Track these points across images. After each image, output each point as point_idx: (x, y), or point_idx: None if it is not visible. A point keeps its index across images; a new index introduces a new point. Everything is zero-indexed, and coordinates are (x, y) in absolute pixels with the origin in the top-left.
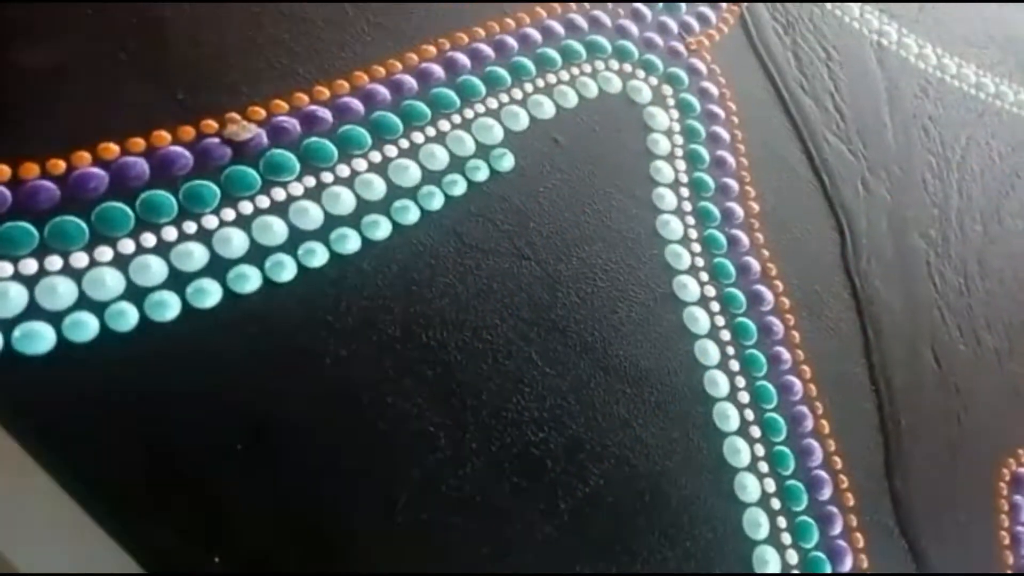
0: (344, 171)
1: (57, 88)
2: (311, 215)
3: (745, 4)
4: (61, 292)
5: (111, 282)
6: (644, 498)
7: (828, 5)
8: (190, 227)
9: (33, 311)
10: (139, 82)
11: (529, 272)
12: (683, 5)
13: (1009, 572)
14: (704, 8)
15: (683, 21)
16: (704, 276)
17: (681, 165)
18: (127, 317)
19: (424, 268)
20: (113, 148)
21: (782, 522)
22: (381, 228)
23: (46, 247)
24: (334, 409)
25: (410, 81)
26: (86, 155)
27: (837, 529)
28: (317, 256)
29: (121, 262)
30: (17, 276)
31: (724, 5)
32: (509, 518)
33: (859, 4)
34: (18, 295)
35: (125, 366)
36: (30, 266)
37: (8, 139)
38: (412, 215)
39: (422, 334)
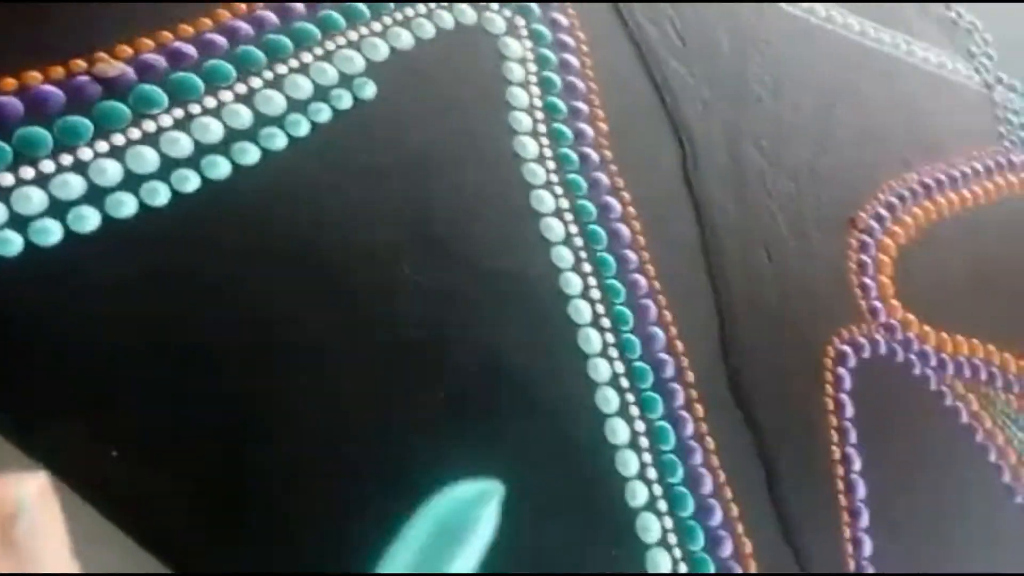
0: (211, 102)
1: None
2: (181, 144)
3: None
4: None
5: None
6: (509, 383)
7: None
8: (66, 159)
9: None
10: (10, 26)
11: (399, 190)
12: None
13: (833, 432)
14: None
15: None
16: (559, 190)
17: (535, 91)
18: (12, 243)
19: (296, 189)
20: None
21: (630, 397)
22: (250, 154)
23: None
24: (216, 322)
25: (271, 17)
26: None
27: (679, 401)
28: (190, 182)
29: (2, 194)
30: None
31: None
32: (396, 403)
33: None
34: None
35: (17, 288)
36: None
37: None
38: (280, 141)
39: (298, 249)
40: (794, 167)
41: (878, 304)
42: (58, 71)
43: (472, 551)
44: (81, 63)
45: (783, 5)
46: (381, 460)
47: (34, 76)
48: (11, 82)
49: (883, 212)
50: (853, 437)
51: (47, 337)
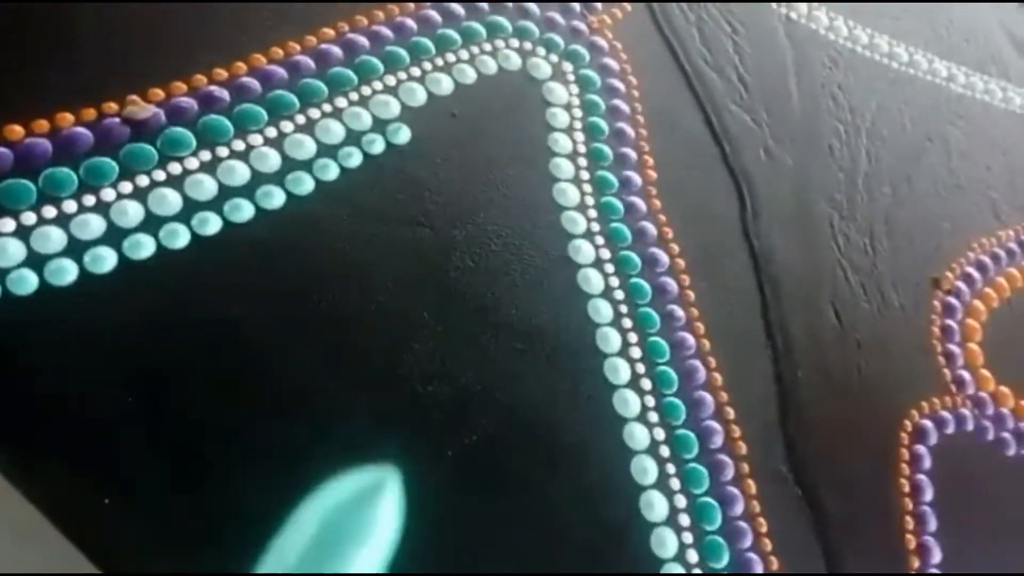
0: (239, 145)
1: None
2: (205, 187)
3: None
4: None
5: (12, 250)
6: (532, 446)
7: None
8: (89, 200)
9: None
10: (48, 68)
11: (422, 238)
12: None
13: (909, 518)
14: None
15: (585, 1)
16: (600, 240)
17: (579, 137)
18: (28, 282)
19: (317, 235)
20: (18, 130)
21: (671, 468)
22: (275, 198)
23: None
24: (223, 367)
25: (307, 61)
26: None
27: (728, 476)
28: (210, 224)
29: (22, 232)
30: None
31: None
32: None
33: None
34: None
35: (26, 325)
36: None
37: None
38: (307, 186)
39: (313, 296)
40: (870, 220)
41: (965, 374)
42: (90, 113)
43: (373, 550)
44: (113, 105)
45: (860, 50)
46: None
47: (65, 118)
48: (43, 124)
49: (973, 272)
50: (932, 525)
51: (52, 375)
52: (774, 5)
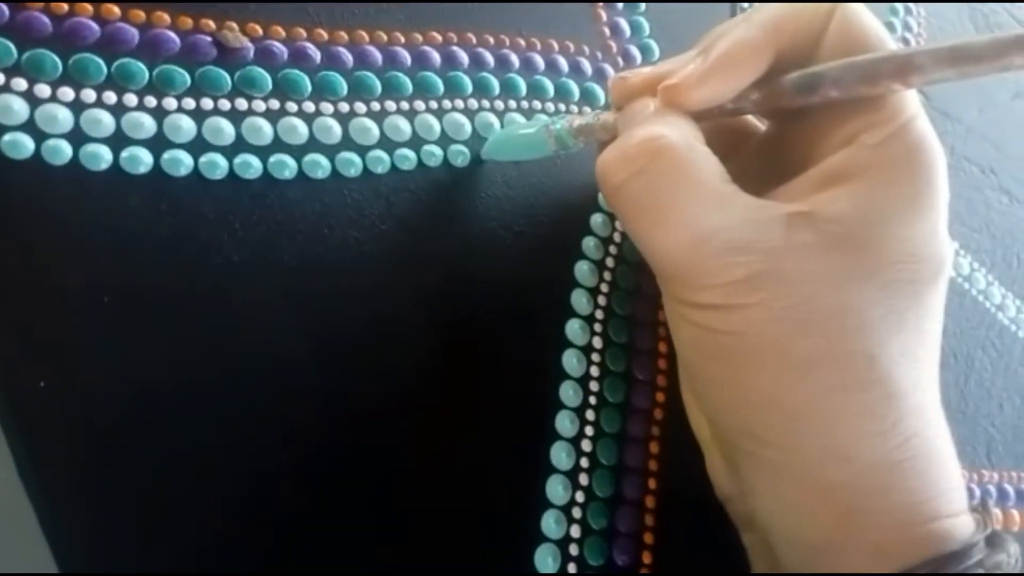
0: (309, 107)
1: None
2: (263, 132)
3: None
4: (16, 109)
5: (62, 119)
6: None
7: None
8: (150, 101)
9: None
10: None
11: (417, 264)
12: None
13: None
14: None
15: None
16: (598, 343)
17: (611, 260)
18: (62, 152)
19: (343, 217)
20: (115, 11)
21: None
22: (320, 169)
23: (20, 69)
24: (202, 300)
25: (405, 55)
26: (88, 7)
27: None
28: (252, 169)
29: (77, 107)
30: None
31: None
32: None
33: None
34: None
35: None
36: None
37: None
38: (354, 169)
39: (311, 270)
40: None
41: None
42: (186, 21)
43: None
44: (211, 23)
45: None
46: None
47: (162, 18)
48: (140, 15)
49: None
50: None
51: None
52: None
